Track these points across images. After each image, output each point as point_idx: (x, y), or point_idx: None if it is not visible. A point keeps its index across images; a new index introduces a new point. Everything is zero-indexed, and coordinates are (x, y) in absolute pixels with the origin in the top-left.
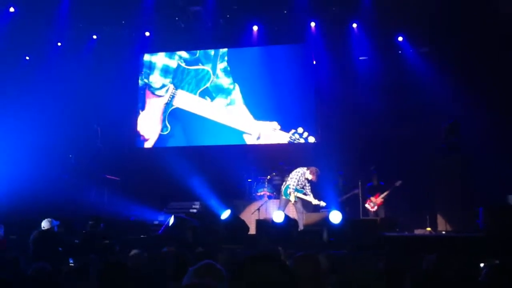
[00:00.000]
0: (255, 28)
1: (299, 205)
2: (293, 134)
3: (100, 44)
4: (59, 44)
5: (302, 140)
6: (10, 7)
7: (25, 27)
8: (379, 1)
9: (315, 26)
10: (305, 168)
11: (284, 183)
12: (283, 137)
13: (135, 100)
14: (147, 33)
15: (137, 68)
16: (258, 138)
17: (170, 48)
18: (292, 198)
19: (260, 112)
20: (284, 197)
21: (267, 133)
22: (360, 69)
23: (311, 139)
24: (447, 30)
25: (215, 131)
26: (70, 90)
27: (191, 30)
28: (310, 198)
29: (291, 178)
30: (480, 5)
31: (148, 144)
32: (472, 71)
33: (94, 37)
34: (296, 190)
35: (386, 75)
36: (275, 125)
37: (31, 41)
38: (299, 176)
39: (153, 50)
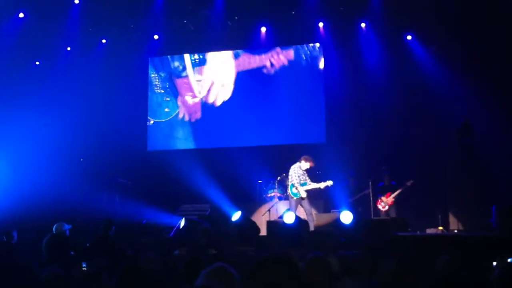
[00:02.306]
0: (263, 29)
1: (307, 205)
2: None
3: (109, 48)
4: (68, 48)
5: None
6: (19, 12)
7: (35, 33)
8: (387, 0)
9: (323, 26)
10: (297, 162)
11: (288, 185)
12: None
13: (145, 103)
14: (156, 36)
15: (147, 70)
16: None
17: (179, 51)
18: (303, 194)
19: (269, 114)
20: (294, 197)
21: None
22: (370, 68)
23: None
24: (456, 28)
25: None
26: (80, 94)
27: (200, 33)
28: (316, 185)
29: (291, 176)
30: (490, 3)
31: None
32: (483, 69)
33: (103, 41)
34: (301, 185)
35: (395, 74)
36: None
37: (41, 46)
38: (296, 170)
39: (162, 53)
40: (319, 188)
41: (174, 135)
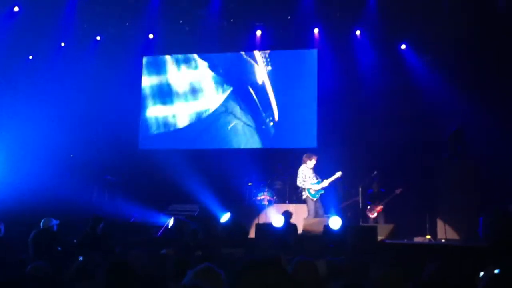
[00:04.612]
0: (258, 32)
1: (320, 210)
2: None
3: (104, 45)
4: (62, 44)
5: None
6: (14, 6)
7: (29, 27)
8: (383, 8)
9: (319, 32)
10: (302, 164)
11: (303, 190)
12: None
13: (137, 101)
14: (151, 35)
15: (140, 69)
16: None
17: (173, 51)
18: (320, 187)
19: (261, 118)
20: (313, 199)
21: None
22: (363, 75)
23: None
24: (450, 38)
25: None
26: (73, 90)
27: (195, 33)
28: (328, 180)
29: (304, 181)
30: (483, 13)
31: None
32: (475, 78)
33: (98, 38)
34: (317, 183)
35: (388, 81)
36: None
37: (35, 40)
38: (305, 172)
39: (157, 53)
40: (329, 182)
41: (166, 134)
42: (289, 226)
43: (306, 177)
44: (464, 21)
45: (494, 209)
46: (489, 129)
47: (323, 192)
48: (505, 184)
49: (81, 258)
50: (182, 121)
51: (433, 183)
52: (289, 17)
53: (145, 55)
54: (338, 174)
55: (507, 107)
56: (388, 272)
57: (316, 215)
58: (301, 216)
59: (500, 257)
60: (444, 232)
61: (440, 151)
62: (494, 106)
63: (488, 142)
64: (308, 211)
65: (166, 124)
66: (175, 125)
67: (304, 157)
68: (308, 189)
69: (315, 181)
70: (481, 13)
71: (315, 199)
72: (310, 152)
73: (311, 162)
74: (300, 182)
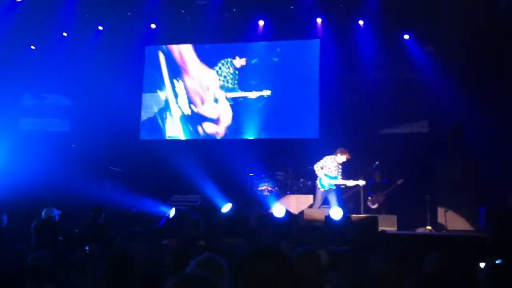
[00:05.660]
0: (261, 22)
1: (333, 198)
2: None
3: (106, 35)
4: (64, 34)
5: None
6: None
7: (31, 17)
8: None
9: (322, 22)
10: (332, 155)
11: (317, 177)
12: None
13: (139, 92)
14: (153, 25)
15: (142, 59)
16: None
17: (175, 41)
18: (330, 181)
19: (264, 108)
20: (321, 189)
21: None
22: (365, 66)
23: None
24: (453, 29)
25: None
26: (75, 80)
27: (196, 24)
28: (344, 181)
29: (322, 168)
30: (487, 5)
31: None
32: (478, 70)
33: (100, 28)
34: (332, 178)
35: (391, 72)
36: None
37: (37, 30)
38: (327, 161)
39: (159, 42)
40: (345, 185)
41: (167, 125)
42: (290, 216)
43: (326, 167)
44: (465, 18)
45: (494, 206)
46: (489, 129)
47: (334, 187)
48: (505, 184)
49: (87, 248)
50: (183, 112)
51: (434, 175)
52: (291, 7)
53: (147, 45)
54: (361, 182)
55: (507, 107)
56: (388, 263)
57: (329, 204)
58: (303, 206)
59: (501, 247)
60: (445, 223)
61: (440, 144)
62: (497, 98)
63: (488, 142)
64: (315, 200)
65: (166, 114)
66: (176, 115)
67: (338, 149)
68: (320, 178)
69: (333, 175)
70: (482, 11)
71: (322, 190)
72: (311, 140)
73: (341, 158)
74: (316, 166)
